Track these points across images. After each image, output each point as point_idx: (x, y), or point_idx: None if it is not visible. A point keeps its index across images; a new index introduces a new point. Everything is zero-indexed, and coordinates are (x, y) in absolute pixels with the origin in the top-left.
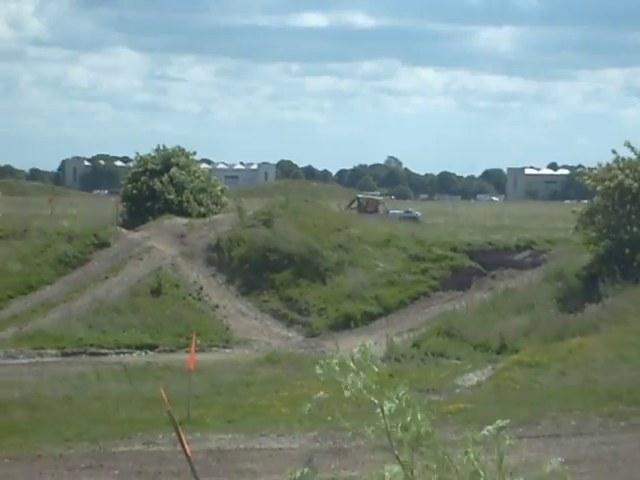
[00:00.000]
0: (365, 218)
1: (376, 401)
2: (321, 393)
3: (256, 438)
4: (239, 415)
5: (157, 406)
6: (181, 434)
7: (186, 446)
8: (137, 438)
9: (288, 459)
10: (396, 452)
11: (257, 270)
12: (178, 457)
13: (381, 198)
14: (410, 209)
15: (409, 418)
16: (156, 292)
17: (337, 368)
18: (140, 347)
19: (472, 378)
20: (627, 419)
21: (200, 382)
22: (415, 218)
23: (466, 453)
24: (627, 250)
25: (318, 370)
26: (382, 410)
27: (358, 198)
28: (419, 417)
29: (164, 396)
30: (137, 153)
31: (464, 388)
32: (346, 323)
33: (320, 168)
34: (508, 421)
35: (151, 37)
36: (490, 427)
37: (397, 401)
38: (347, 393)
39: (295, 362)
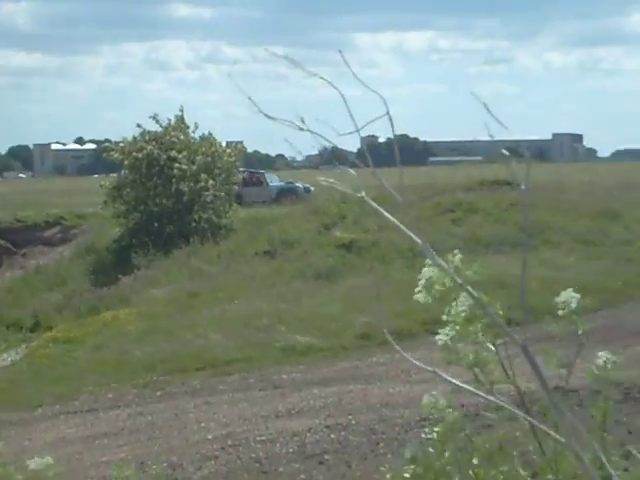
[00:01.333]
0: (250, 191)
1: None
2: None
3: None
4: None
5: None
6: None
7: None
8: None
9: None
10: None
11: None
12: None
13: (262, 171)
14: (292, 180)
15: None
16: None
17: None
18: None
19: (6, 358)
20: (162, 388)
21: None
22: (294, 190)
23: None
24: (157, 222)
25: None
26: None
27: (242, 171)
28: None
29: None
30: None
31: None
32: None
33: None
34: None
35: None
36: None
37: None
38: None
39: None
